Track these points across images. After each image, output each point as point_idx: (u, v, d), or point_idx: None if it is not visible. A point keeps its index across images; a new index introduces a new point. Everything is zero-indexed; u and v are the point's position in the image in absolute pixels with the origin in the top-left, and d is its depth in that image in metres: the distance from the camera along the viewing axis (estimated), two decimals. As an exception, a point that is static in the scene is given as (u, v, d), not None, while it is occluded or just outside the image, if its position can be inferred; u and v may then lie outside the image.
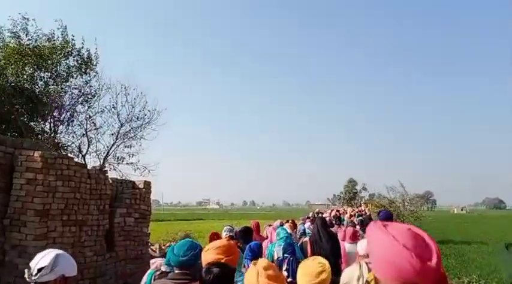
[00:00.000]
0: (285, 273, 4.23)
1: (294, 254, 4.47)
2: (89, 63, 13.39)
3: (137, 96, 13.84)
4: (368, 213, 23.82)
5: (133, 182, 8.29)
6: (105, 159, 12.98)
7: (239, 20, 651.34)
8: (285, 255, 4.43)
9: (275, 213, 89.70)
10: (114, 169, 13.13)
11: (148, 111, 13.89)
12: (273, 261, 4.68)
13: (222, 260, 2.45)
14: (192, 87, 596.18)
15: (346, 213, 22.58)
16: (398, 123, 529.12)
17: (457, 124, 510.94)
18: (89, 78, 13.61)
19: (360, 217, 16.73)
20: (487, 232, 28.46)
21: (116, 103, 13.63)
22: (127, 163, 13.29)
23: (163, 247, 10.63)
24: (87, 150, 12.85)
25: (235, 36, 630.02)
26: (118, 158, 13.21)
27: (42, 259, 1.99)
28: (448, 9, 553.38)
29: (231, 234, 5.52)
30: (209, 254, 2.54)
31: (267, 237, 7.06)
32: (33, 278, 1.96)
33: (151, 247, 10.17)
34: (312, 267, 2.39)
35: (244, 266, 3.80)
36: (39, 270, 1.95)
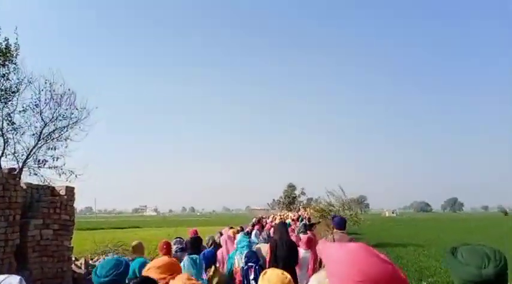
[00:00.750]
0: (252, 282, 4.14)
1: (258, 262, 4.40)
2: (8, 54, 11.81)
3: (64, 93, 12.36)
4: (307, 217, 23.88)
5: (53, 188, 7.17)
6: (24, 162, 11.47)
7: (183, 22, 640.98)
8: (250, 264, 4.32)
9: (215, 219, 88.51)
10: (35, 174, 11.63)
11: (76, 109, 12.45)
12: (233, 270, 4.81)
13: (166, 280, 2.32)
14: (126, 89, 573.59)
15: (288, 217, 22.45)
16: (332, 131, 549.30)
17: (386, 129, 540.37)
18: (7, 71, 12.01)
19: (303, 222, 16.62)
20: (419, 234, 29.72)
21: (39, 101, 12.08)
22: (50, 167, 11.83)
23: (90, 262, 9.37)
24: (3, 152, 11.25)
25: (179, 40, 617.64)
26: (39, 161, 11.70)
27: (4, 281, 1.85)
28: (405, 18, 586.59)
29: (181, 246, 5.33)
30: (152, 274, 2.35)
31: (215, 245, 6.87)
32: None
33: (76, 262, 8.92)
34: (277, 278, 2.32)
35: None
36: None
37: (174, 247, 5.31)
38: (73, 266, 7.96)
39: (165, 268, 2.42)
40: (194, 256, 3.62)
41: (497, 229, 35.21)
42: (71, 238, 7.17)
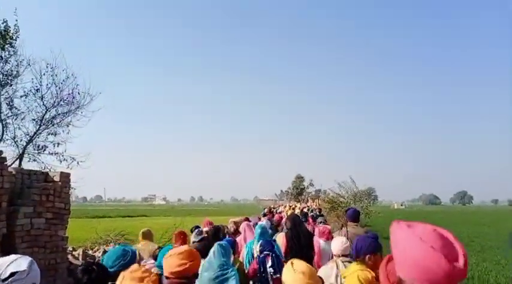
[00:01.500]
0: (271, 270, 4.07)
1: (273, 250, 4.30)
2: (7, 37, 11.22)
3: (66, 78, 11.63)
4: (317, 208, 23.35)
5: (47, 173, 6.59)
6: (25, 148, 10.96)
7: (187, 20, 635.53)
8: (265, 252, 4.24)
9: (224, 208, 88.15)
10: (35, 160, 11.05)
11: (78, 93, 11.74)
12: (252, 258, 4.83)
13: (186, 266, 2.40)
14: (136, 79, 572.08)
15: (296, 208, 21.97)
16: (341, 123, 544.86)
17: (394, 121, 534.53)
18: (7, 55, 11.43)
19: (312, 213, 16.26)
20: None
21: (41, 85, 11.43)
22: (50, 153, 11.22)
23: (89, 252, 8.86)
24: (2, 138, 10.75)
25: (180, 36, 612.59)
26: (39, 147, 11.11)
27: (15, 262, 1.81)
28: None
29: (202, 236, 5.33)
30: (173, 260, 2.44)
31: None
32: (2, 282, 1.75)
33: (73, 253, 8.41)
34: (307, 268, 2.31)
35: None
36: (12, 274, 1.73)
37: (193, 238, 5.36)
38: (69, 257, 7.44)
39: (186, 255, 2.46)
40: (224, 242, 3.61)
41: (507, 223, 34.30)
42: (66, 227, 6.58)
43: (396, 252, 1.26)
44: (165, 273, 2.42)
